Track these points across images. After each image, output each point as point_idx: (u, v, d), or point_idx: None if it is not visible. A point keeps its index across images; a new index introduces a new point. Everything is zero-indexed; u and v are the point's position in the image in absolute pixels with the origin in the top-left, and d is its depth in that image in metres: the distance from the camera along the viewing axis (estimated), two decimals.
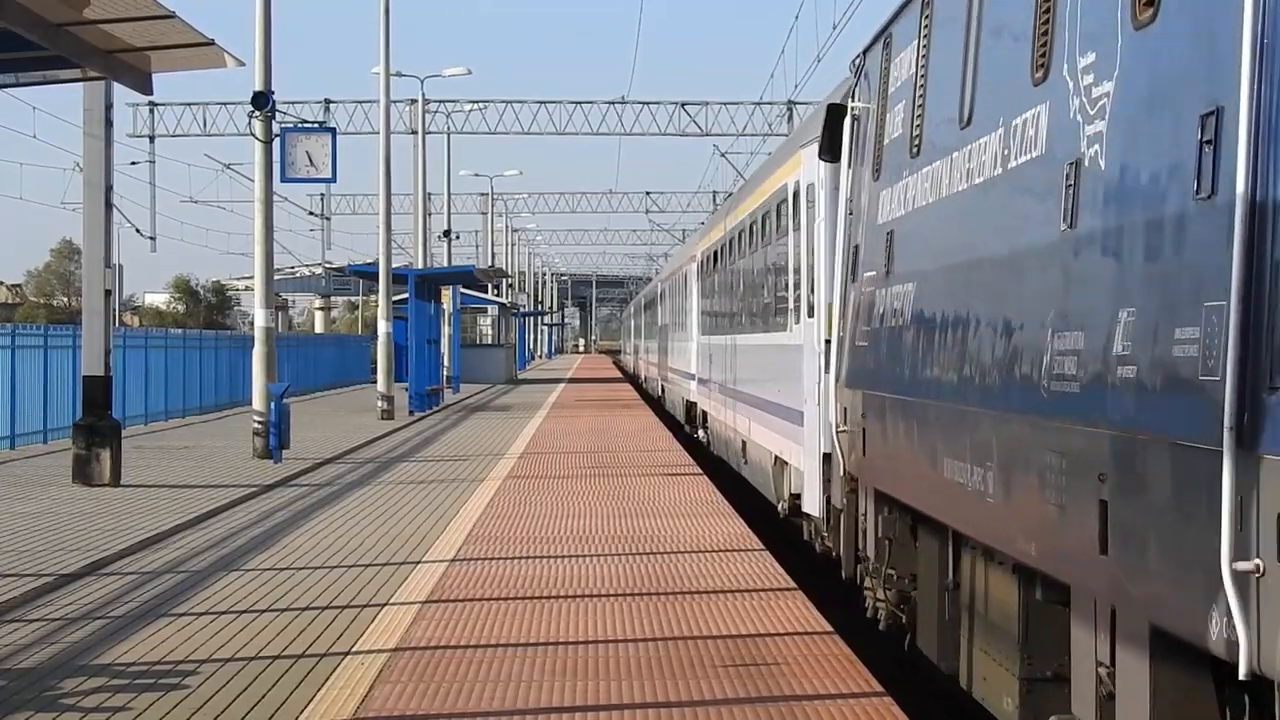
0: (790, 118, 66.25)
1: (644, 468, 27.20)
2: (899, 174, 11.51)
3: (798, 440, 18.07)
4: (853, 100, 14.23)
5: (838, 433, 14.00)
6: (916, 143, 10.97)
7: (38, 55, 14.55)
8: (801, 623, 12.60)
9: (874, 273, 12.33)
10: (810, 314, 17.53)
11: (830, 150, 14.79)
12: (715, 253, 32.35)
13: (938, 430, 9.92)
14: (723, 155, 61.26)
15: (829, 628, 12.34)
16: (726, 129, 71.33)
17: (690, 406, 40.19)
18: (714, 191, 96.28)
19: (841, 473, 14.43)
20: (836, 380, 14.24)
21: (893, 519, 12.43)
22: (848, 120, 14.32)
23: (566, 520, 19.55)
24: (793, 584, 14.54)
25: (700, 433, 36.86)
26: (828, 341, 15.55)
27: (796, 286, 18.60)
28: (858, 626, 15.57)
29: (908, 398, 10.84)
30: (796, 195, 18.67)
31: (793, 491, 18.68)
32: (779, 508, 20.22)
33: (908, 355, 10.90)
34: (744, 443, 25.20)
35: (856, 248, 13.38)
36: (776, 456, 20.36)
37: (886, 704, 9.85)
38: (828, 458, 15.86)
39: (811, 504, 17.20)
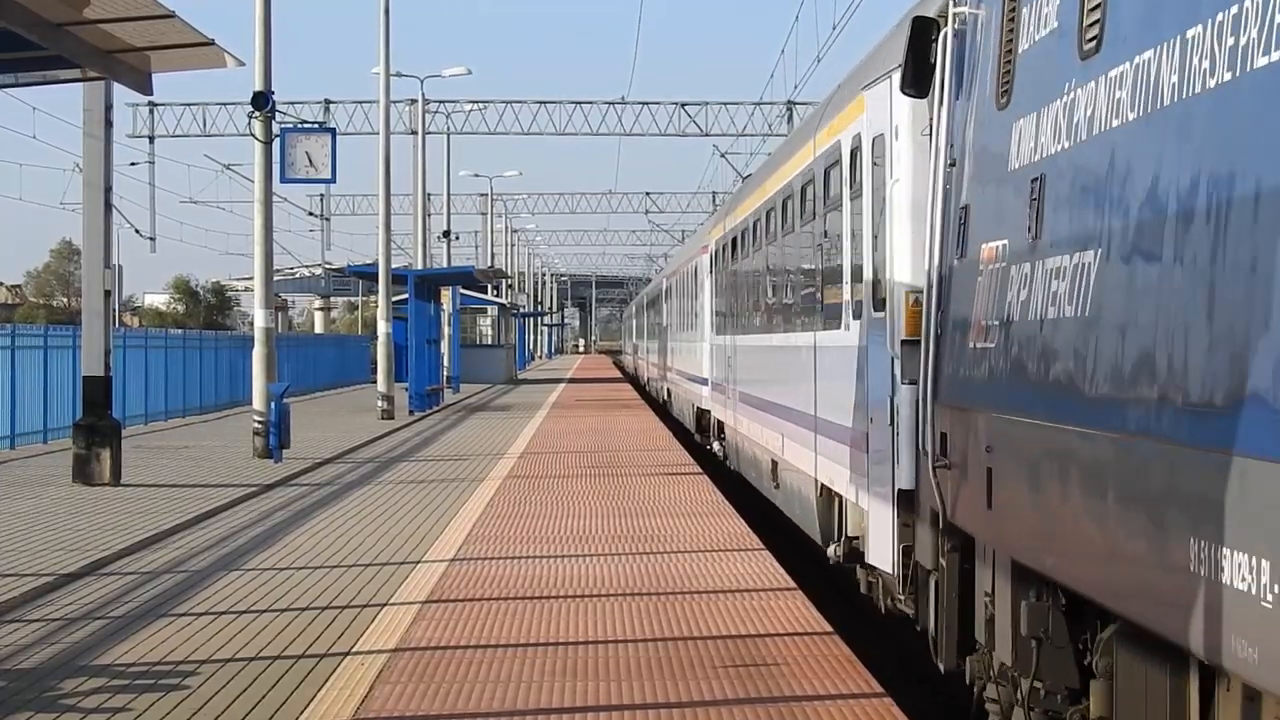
0: (790, 118, 66.28)
1: (644, 467, 27.20)
2: (1056, 89, 7.92)
3: (859, 470, 14.14)
4: (954, 5, 10.55)
5: (934, 467, 10.31)
6: (1094, 34, 7.40)
7: (38, 55, 14.55)
8: (801, 623, 12.59)
9: (1003, 242, 8.82)
10: (879, 307, 13.40)
11: (916, 81, 11.14)
12: (733, 240, 27.84)
13: (1173, 490, 6.25)
14: (723, 155, 61.27)
15: (829, 628, 12.33)
16: (726, 129, 71.46)
17: (701, 415, 35.78)
18: (714, 192, 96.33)
19: (939, 522, 10.64)
20: (930, 395, 10.51)
21: (1046, 609, 8.63)
22: (943, 38, 10.72)
23: (566, 520, 19.55)
24: (793, 584, 14.54)
25: (715, 445, 32.51)
26: (907, 342, 12.23)
27: (856, 272, 14.59)
28: (858, 626, 15.57)
29: (1091, 430, 7.08)
30: (855, 154, 14.62)
31: (850, 534, 15.02)
32: (829, 553, 16.09)
33: (1089, 362, 7.21)
34: (774, 463, 21.08)
35: (965, 210, 9.78)
36: (824, 486, 16.45)
37: (886, 704, 9.85)
38: (907, 496, 12.22)
39: (881, 556, 13.22)
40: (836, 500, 15.83)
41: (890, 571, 12.90)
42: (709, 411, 33.81)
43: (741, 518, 19.90)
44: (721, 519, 19.68)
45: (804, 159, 18.21)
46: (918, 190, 12.23)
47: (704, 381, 34.41)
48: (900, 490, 12.35)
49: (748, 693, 10.12)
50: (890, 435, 12.70)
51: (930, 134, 11.11)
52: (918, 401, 11.08)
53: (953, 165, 10.22)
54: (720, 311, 31.01)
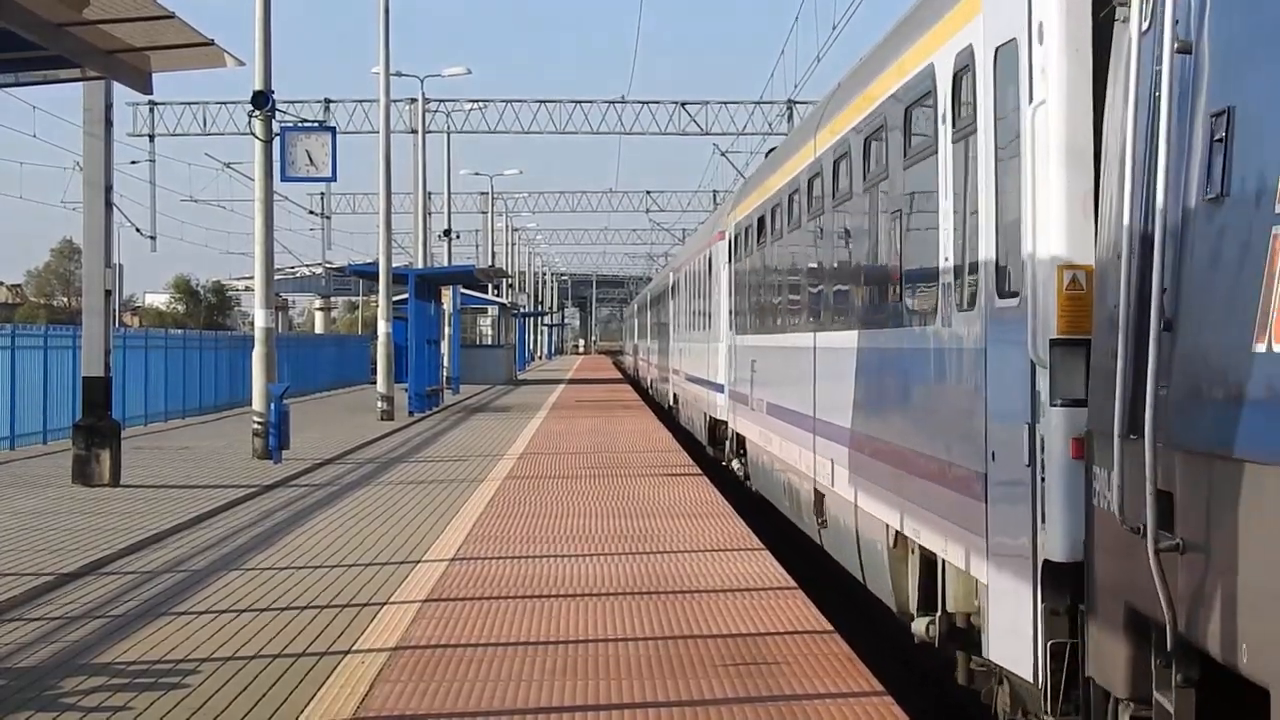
0: (790, 117, 66.30)
1: (643, 468, 27.20)
2: None
3: (969, 524, 10.37)
4: None
5: (1158, 550, 6.59)
6: None
7: (38, 55, 14.56)
8: (801, 622, 12.59)
9: None
10: (1007, 292, 9.70)
11: None
12: (759, 221, 23.25)
13: None
14: (723, 155, 61.27)
15: (829, 627, 12.34)
16: (726, 128, 71.48)
17: (716, 425, 31.37)
18: (714, 191, 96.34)
19: (1159, 635, 6.92)
20: (1146, 429, 6.66)
21: None
22: None
23: (566, 520, 19.55)
24: (793, 583, 14.54)
25: (735, 464, 27.99)
26: (1062, 343, 8.77)
27: (963, 244, 10.69)
28: (858, 626, 15.58)
29: None
30: (962, 77, 10.74)
31: (951, 609, 11.27)
32: (918, 630, 11.97)
33: None
34: (819, 495, 17.16)
35: (1222, 117, 6.25)
36: (902, 536, 12.68)
37: (886, 704, 9.85)
38: (1060, 573, 8.74)
39: (1011, 653, 9.67)
40: (920, 556, 12.10)
41: (1030, 679, 9.31)
42: (725, 423, 29.41)
43: (741, 518, 19.89)
44: (721, 519, 19.67)
45: (868, 102, 14.18)
46: (1076, 115, 8.97)
47: (718, 388, 30.18)
48: (1048, 563, 8.84)
49: (748, 691, 10.12)
50: (1029, 481, 9.14)
51: (1130, 19, 7.48)
52: (1090, 435, 7.79)
53: (1185, 53, 6.79)
54: (741, 307, 26.36)
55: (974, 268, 10.41)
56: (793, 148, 20.40)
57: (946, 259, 11.11)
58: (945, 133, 11.21)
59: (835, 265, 16.39)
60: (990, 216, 10.09)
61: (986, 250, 10.10)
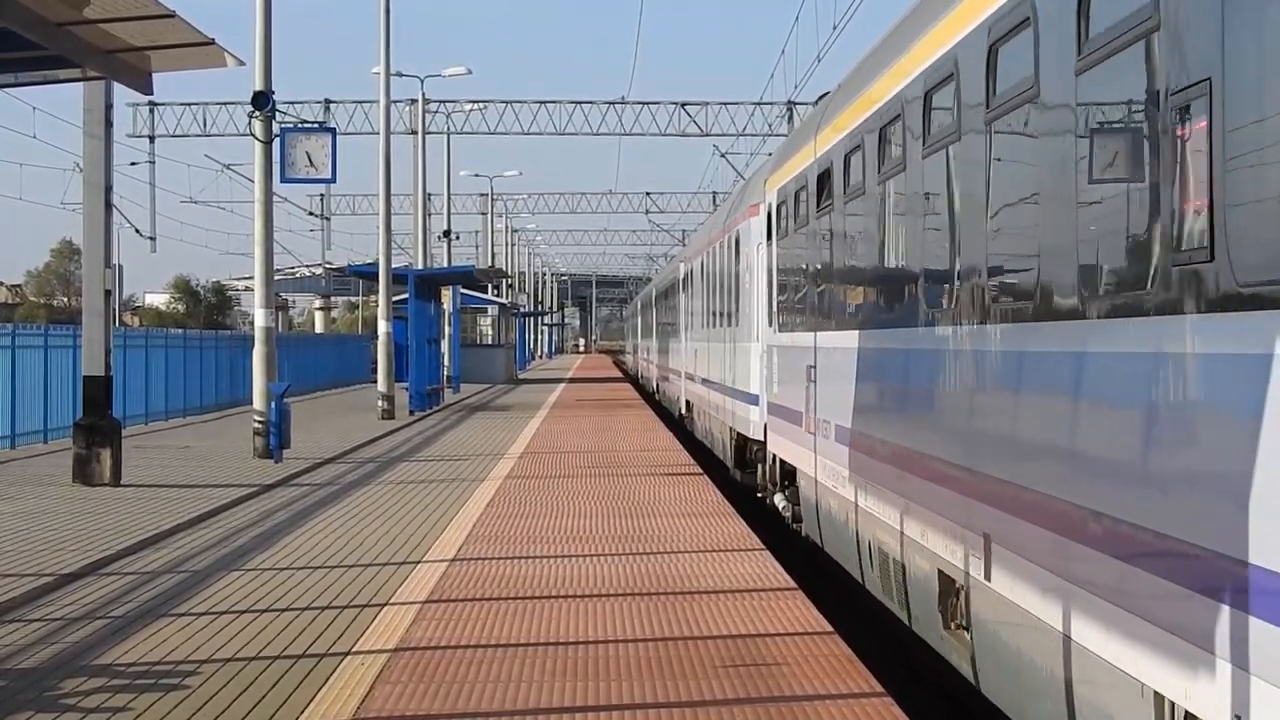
0: (790, 118, 66.28)
1: (644, 468, 27.19)
2: None
3: None
4: None
5: None
6: None
7: (38, 55, 14.56)
8: (801, 623, 12.59)
9: None
10: None
11: None
12: (825, 175, 16.96)
13: None
14: (723, 155, 61.29)
15: (829, 628, 12.34)
16: (726, 129, 71.51)
17: (747, 445, 25.82)
18: (714, 192, 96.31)
19: None
20: None
21: None
22: None
23: (566, 520, 19.55)
24: (793, 584, 14.54)
25: (778, 500, 22.01)
26: None
27: None
28: (858, 626, 15.58)
29: None
30: None
31: None
32: None
33: None
34: (951, 584, 11.21)
35: None
36: (1175, 708, 6.98)
37: (886, 704, 9.85)
38: None
39: None
40: None
41: None
42: (761, 444, 23.79)
43: (742, 519, 19.89)
44: (721, 519, 19.67)
45: None
46: None
47: (750, 399, 24.73)
48: None
49: (748, 692, 10.13)
50: None
51: None
52: None
53: None
54: (789, 297, 20.46)
55: None
56: (883, 63, 13.79)
57: None
58: None
59: (1004, 219, 9.75)
60: None
61: None
